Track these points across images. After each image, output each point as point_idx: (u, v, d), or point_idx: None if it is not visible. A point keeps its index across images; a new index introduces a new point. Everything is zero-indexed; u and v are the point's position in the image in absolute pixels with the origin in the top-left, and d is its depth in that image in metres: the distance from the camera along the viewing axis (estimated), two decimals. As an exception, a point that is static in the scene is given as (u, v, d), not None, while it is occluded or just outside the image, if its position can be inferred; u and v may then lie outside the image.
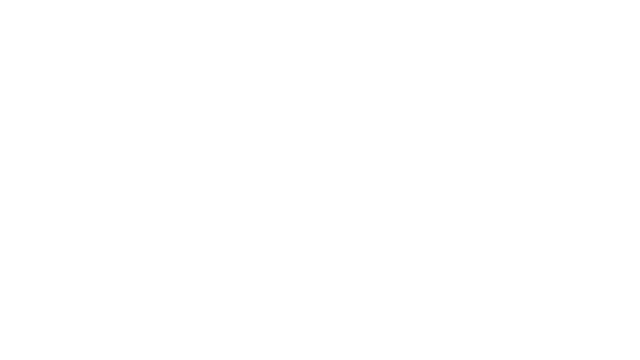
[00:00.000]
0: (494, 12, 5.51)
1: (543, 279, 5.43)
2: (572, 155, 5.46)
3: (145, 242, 5.52)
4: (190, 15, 5.58)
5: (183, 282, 5.52)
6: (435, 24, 5.53)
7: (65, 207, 5.54)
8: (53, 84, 5.57)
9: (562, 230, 5.44)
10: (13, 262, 5.50)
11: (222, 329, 5.49)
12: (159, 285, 5.51)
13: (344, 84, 5.54)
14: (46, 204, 5.53)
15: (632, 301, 5.37)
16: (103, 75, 5.58)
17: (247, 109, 5.57)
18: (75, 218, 5.53)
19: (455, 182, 5.49)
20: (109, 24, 5.58)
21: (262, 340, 5.49)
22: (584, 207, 5.44)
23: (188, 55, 5.58)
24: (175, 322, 5.50)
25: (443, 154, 5.50)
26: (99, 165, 5.55)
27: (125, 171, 5.54)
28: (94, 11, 5.58)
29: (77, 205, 5.54)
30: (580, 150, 5.46)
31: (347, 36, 5.55)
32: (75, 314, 5.50)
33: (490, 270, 5.45)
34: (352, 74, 5.55)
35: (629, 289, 5.38)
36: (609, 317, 5.39)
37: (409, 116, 5.53)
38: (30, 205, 5.53)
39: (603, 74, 5.47)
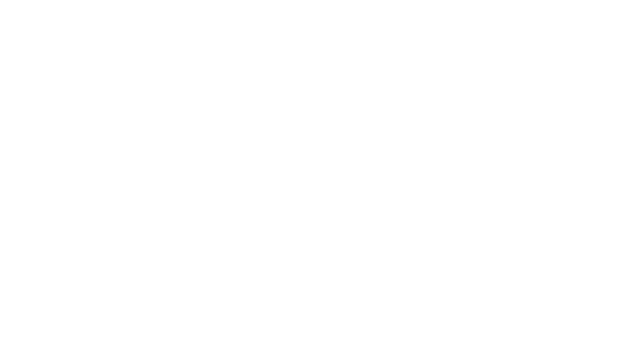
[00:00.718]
0: (494, 12, 5.52)
1: (543, 278, 5.44)
2: (572, 155, 5.47)
3: (145, 241, 5.53)
4: (190, 15, 5.59)
5: (183, 282, 5.52)
6: (435, 24, 5.54)
7: (65, 206, 5.54)
8: (53, 84, 5.58)
9: (561, 230, 5.45)
10: (13, 262, 5.51)
11: (222, 329, 5.50)
12: (159, 285, 5.52)
13: (344, 84, 5.55)
14: (46, 204, 5.54)
15: (632, 301, 5.38)
16: (103, 75, 5.59)
17: (247, 109, 5.57)
18: (75, 218, 5.54)
19: (455, 182, 5.50)
20: (109, 24, 5.59)
21: (262, 340, 5.49)
22: (583, 207, 5.45)
23: (188, 55, 5.58)
24: (175, 322, 5.51)
25: (443, 154, 5.51)
26: (99, 165, 5.56)
27: (125, 171, 5.55)
28: (94, 11, 5.58)
29: (77, 205, 5.54)
30: (580, 150, 5.47)
31: (347, 36, 5.56)
32: (75, 314, 5.51)
33: (489, 270, 5.46)
34: (352, 74, 5.55)
35: (628, 288, 5.39)
36: (609, 317, 5.40)
37: (409, 116, 5.53)
38: (30, 205, 5.54)
39: (603, 74, 5.48)
